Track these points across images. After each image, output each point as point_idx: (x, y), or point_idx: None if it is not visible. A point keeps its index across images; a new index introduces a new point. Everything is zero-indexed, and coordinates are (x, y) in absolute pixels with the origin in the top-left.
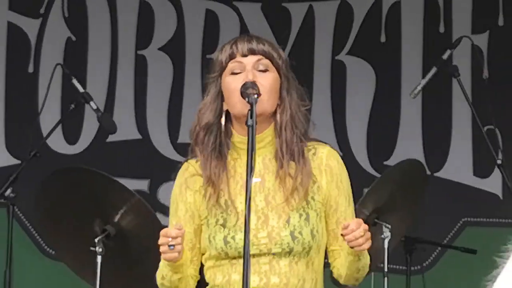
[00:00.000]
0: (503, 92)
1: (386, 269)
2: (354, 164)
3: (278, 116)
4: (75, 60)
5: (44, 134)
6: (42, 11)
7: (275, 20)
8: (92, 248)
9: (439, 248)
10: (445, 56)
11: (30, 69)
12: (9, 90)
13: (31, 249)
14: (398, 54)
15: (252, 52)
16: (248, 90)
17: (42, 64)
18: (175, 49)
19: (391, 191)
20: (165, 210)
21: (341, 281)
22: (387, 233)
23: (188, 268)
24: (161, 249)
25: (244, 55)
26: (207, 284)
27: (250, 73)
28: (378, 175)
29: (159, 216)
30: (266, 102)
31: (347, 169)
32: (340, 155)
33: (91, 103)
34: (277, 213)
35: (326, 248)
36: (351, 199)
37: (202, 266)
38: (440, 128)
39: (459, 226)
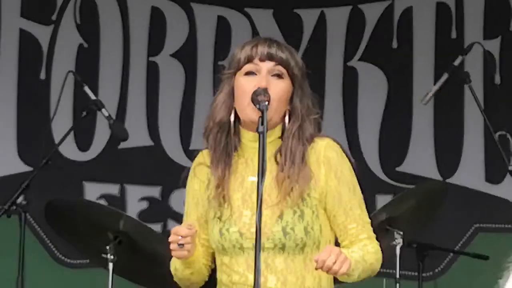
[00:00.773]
0: None
1: (398, 275)
2: (366, 170)
3: (288, 124)
4: (87, 67)
5: (56, 141)
6: (54, 18)
7: (287, 26)
8: (104, 255)
9: (451, 254)
10: (456, 63)
11: (42, 76)
12: (21, 97)
13: (43, 256)
14: (410, 60)
15: (270, 57)
16: (259, 97)
17: (54, 71)
18: (187, 55)
19: (408, 206)
20: (177, 217)
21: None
22: (399, 240)
23: (199, 262)
24: (171, 246)
25: (262, 60)
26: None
27: (264, 79)
28: (390, 181)
29: (171, 222)
30: (274, 110)
31: (358, 174)
32: (350, 157)
33: (103, 110)
34: (271, 210)
35: (340, 243)
36: (357, 190)
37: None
38: (452, 134)
39: (471, 232)
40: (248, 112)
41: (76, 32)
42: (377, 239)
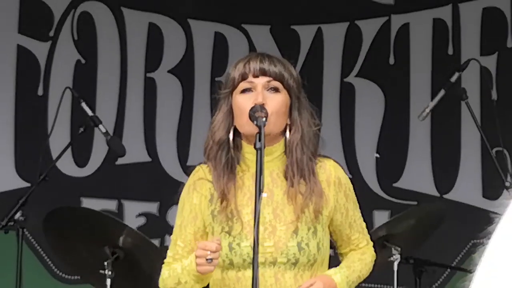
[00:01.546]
0: None
1: None
2: (363, 185)
3: (289, 136)
4: (84, 83)
5: (54, 157)
6: (51, 34)
7: (284, 42)
8: (102, 271)
9: (448, 270)
10: (453, 79)
11: (40, 91)
12: (19, 113)
13: (41, 272)
14: (407, 76)
15: (264, 73)
16: (257, 113)
17: (51, 87)
18: (184, 71)
19: (408, 225)
20: None
21: None
22: (396, 255)
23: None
24: (198, 261)
25: (256, 76)
26: None
27: (260, 95)
28: (387, 197)
29: (169, 238)
30: (273, 124)
31: (355, 190)
32: (349, 178)
33: (100, 126)
34: (285, 225)
35: (338, 251)
36: (357, 205)
37: None
38: (449, 150)
39: (468, 248)
40: (248, 128)
41: (74, 48)
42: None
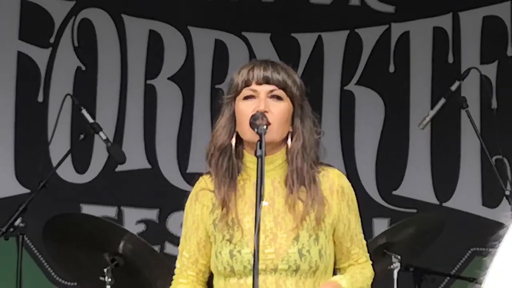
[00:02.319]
0: None
1: None
2: (363, 193)
3: (290, 144)
4: (84, 90)
5: (54, 164)
6: (52, 40)
7: (284, 50)
8: (101, 278)
9: (448, 278)
10: (453, 88)
11: (40, 98)
12: (19, 119)
13: (41, 279)
14: (407, 84)
15: (267, 81)
16: (257, 121)
17: (51, 94)
18: (184, 78)
19: (408, 233)
20: (174, 240)
21: None
22: (396, 264)
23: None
24: None
25: (259, 83)
26: None
27: (262, 102)
28: (386, 205)
29: (169, 245)
30: (275, 131)
31: (359, 200)
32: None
33: (101, 133)
34: (286, 232)
35: (336, 266)
36: (359, 220)
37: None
38: (448, 158)
39: (467, 256)
40: (249, 135)
41: (74, 55)
42: (373, 263)
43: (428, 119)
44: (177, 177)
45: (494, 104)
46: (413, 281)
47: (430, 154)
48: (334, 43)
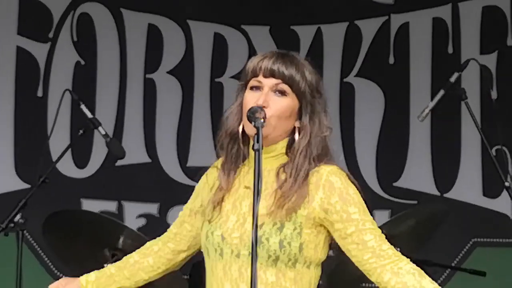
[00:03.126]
0: None
1: None
2: (363, 185)
3: (296, 140)
4: (84, 84)
5: (54, 159)
6: (50, 35)
7: (284, 43)
8: None
9: (449, 269)
10: (452, 79)
11: (39, 93)
12: (19, 114)
13: (41, 274)
14: (407, 76)
15: (273, 74)
16: (256, 114)
17: (51, 88)
18: (183, 72)
19: (408, 225)
20: None
21: None
22: None
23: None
24: None
25: (265, 76)
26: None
27: (263, 96)
28: (387, 196)
29: None
30: (272, 126)
31: (365, 198)
32: (355, 183)
33: (100, 128)
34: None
35: (361, 264)
36: (367, 212)
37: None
38: (449, 149)
39: (469, 247)
40: (247, 128)
41: (73, 50)
42: None
43: (427, 111)
44: (177, 171)
45: (494, 95)
46: None
47: (430, 145)
48: (334, 35)
